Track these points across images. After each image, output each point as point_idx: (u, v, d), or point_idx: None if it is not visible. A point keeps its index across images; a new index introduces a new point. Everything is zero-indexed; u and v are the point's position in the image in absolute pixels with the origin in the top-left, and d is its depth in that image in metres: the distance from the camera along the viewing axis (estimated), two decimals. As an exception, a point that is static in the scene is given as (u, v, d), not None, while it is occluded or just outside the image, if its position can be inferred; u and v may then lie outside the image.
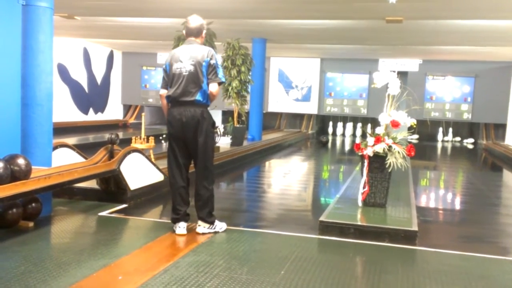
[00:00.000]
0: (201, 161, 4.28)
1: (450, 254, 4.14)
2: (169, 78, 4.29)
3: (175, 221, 4.37)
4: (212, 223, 4.38)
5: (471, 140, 17.50)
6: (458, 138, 17.77)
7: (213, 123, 4.34)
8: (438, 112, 17.24)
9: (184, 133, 4.23)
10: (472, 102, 16.98)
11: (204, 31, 4.41)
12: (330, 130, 18.71)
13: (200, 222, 4.36)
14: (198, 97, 4.18)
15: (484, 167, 12.45)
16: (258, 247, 4.21)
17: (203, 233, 4.32)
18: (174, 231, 4.33)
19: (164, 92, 4.36)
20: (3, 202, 3.93)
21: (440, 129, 17.75)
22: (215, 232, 4.35)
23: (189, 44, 4.32)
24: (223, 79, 4.35)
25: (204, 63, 4.18)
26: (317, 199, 7.26)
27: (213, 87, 4.23)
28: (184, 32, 4.42)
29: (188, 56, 4.22)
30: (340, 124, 18.55)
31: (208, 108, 4.34)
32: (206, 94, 4.22)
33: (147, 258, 3.68)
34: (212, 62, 4.19)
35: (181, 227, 4.32)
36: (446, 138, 17.73)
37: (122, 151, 5.69)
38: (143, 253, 3.78)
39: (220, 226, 4.43)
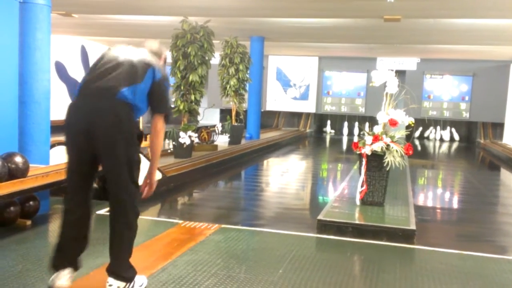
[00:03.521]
0: (122, 185, 2.83)
1: (448, 253, 4.14)
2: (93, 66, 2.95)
3: (59, 265, 2.85)
4: (129, 280, 2.87)
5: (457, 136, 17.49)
6: (456, 137, 17.78)
7: (139, 134, 3.00)
8: (436, 111, 17.26)
9: (93, 141, 2.76)
10: (470, 101, 16.99)
11: (164, 56, 3.15)
12: (328, 129, 18.72)
13: (111, 280, 2.84)
14: (126, 92, 2.77)
15: (482, 166, 12.47)
16: (256, 245, 4.21)
17: None
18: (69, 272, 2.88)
19: None
20: (1, 200, 3.92)
21: (438, 128, 17.76)
22: None
23: (138, 48, 3.00)
24: (171, 114, 3.06)
25: (150, 71, 2.87)
26: (315, 198, 7.25)
27: (158, 122, 2.95)
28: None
29: (132, 55, 2.91)
30: (338, 123, 18.56)
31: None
32: (137, 93, 2.81)
33: (145, 256, 3.68)
34: (161, 81, 2.92)
35: (64, 277, 2.84)
36: (443, 137, 17.75)
37: (120, 149, 5.66)
38: (140, 251, 3.76)
39: (139, 282, 2.96)
